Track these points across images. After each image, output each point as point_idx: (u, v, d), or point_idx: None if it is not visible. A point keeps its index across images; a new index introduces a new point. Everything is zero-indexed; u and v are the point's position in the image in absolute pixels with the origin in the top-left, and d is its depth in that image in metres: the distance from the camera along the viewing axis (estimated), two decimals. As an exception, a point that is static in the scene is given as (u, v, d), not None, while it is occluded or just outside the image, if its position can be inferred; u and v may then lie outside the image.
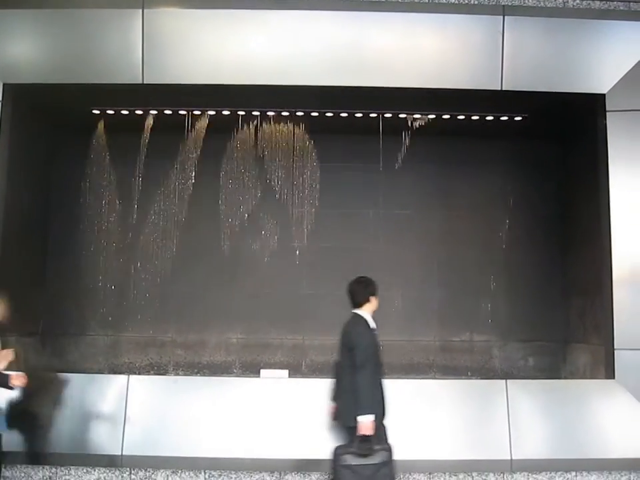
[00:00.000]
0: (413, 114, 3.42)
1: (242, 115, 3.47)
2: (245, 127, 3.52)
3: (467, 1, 3.12)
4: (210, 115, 3.45)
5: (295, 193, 3.70)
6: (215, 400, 2.88)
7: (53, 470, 2.83)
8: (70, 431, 2.81)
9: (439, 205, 3.74)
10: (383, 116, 3.45)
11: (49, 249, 3.68)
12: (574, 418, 2.90)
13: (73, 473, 2.84)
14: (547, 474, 2.87)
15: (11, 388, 2.44)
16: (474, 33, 3.06)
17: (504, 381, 2.99)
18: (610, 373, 2.97)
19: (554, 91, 3.06)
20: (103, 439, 2.82)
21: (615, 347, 2.96)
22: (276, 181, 3.67)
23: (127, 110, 3.41)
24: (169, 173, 3.65)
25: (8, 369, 2.47)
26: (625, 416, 2.88)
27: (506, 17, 3.03)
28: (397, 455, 2.71)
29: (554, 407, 2.92)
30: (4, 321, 2.62)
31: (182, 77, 3.05)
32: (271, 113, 3.43)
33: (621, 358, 2.95)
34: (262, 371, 3.20)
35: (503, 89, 3.04)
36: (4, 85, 3.03)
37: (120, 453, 2.79)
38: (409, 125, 3.48)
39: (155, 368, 3.62)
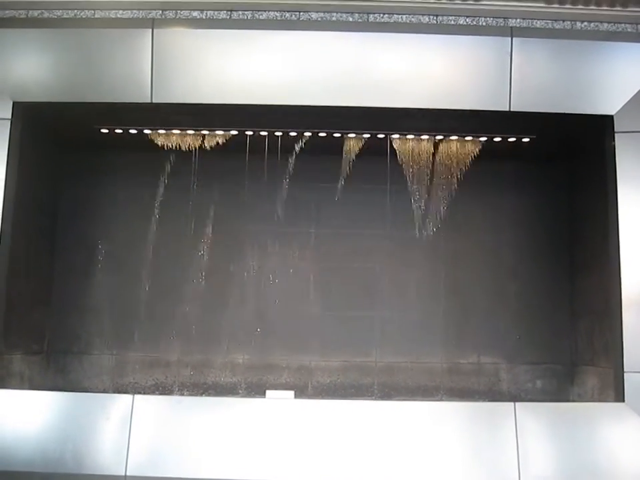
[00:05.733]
0: (421, 135, 3.42)
1: (249, 136, 3.46)
2: (250, 148, 3.51)
3: (475, 22, 3.14)
4: (216, 135, 3.46)
5: (301, 214, 3.71)
6: (220, 420, 2.85)
7: (56, 490, 2.80)
8: (73, 450, 2.79)
9: (445, 226, 3.73)
10: (390, 137, 3.46)
11: (56, 268, 3.67)
12: (583, 441, 2.86)
13: (76, 493, 2.81)
14: (556, 498, 2.84)
15: None
16: (482, 54, 3.06)
17: (512, 403, 2.94)
18: (619, 396, 2.93)
19: (562, 112, 3.06)
20: (107, 460, 2.78)
21: (625, 370, 2.92)
22: (280, 201, 3.66)
23: (135, 129, 3.41)
24: (175, 192, 3.64)
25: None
26: (635, 440, 2.84)
27: (514, 38, 3.04)
28: (405, 479, 2.70)
29: (563, 430, 2.88)
30: None
31: (191, 97, 3.06)
32: (278, 133, 3.42)
33: (631, 381, 2.90)
34: (267, 391, 3.17)
35: (511, 110, 3.04)
36: (14, 103, 3.04)
37: (124, 474, 2.75)
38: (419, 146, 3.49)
39: (160, 388, 3.60)
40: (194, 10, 3.14)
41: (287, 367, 3.63)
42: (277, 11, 3.14)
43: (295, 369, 3.63)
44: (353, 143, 3.47)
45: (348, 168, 3.55)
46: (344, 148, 3.49)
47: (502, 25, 3.14)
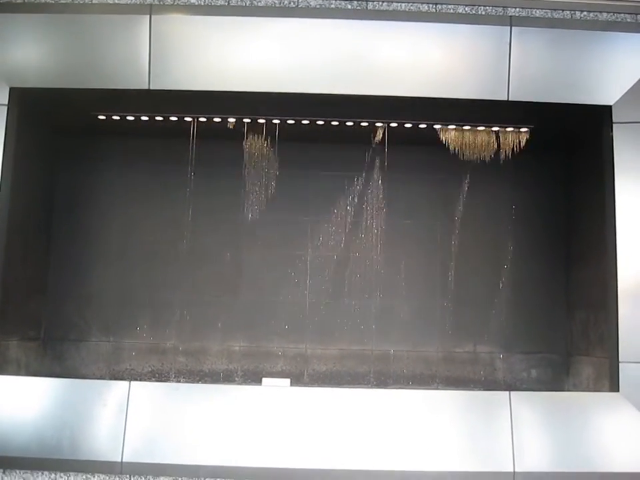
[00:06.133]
0: (419, 123, 3.41)
1: (247, 123, 3.45)
2: (248, 135, 3.50)
3: (474, 11, 3.13)
4: (215, 122, 3.44)
5: (298, 201, 3.70)
6: (216, 407, 2.86)
7: (52, 476, 2.79)
8: (70, 436, 2.80)
9: (442, 216, 3.74)
10: (388, 125, 3.45)
11: (52, 254, 3.67)
12: (577, 431, 2.87)
13: (73, 479, 2.82)
14: (550, 487, 2.86)
15: None
16: (481, 43, 3.05)
17: (507, 392, 2.95)
18: (614, 386, 2.95)
19: (560, 102, 3.05)
20: (103, 446, 2.79)
21: (620, 360, 2.93)
22: (278, 189, 3.65)
23: (132, 116, 3.39)
24: (171, 179, 3.64)
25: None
26: (629, 429, 2.85)
27: (513, 27, 3.03)
28: (398, 467, 2.71)
29: (557, 420, 2.89)
30: None
31: (188, 84, 3.05)
32: (276, 121, 3.41)
33: (626, 371, 2.92)
34: (264, 379, 3.18)
35: (510, 99, 3.03)
36: (10, 89, 3.03)
37: (120, 460, 2.76)
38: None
39: (157, 375, 3.61)
40: (192, -4, 3.13)
41: (282, 355, 3.65)
42: (275, -2, 3.12)
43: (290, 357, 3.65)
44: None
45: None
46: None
47: (501, 14, 3.12)
